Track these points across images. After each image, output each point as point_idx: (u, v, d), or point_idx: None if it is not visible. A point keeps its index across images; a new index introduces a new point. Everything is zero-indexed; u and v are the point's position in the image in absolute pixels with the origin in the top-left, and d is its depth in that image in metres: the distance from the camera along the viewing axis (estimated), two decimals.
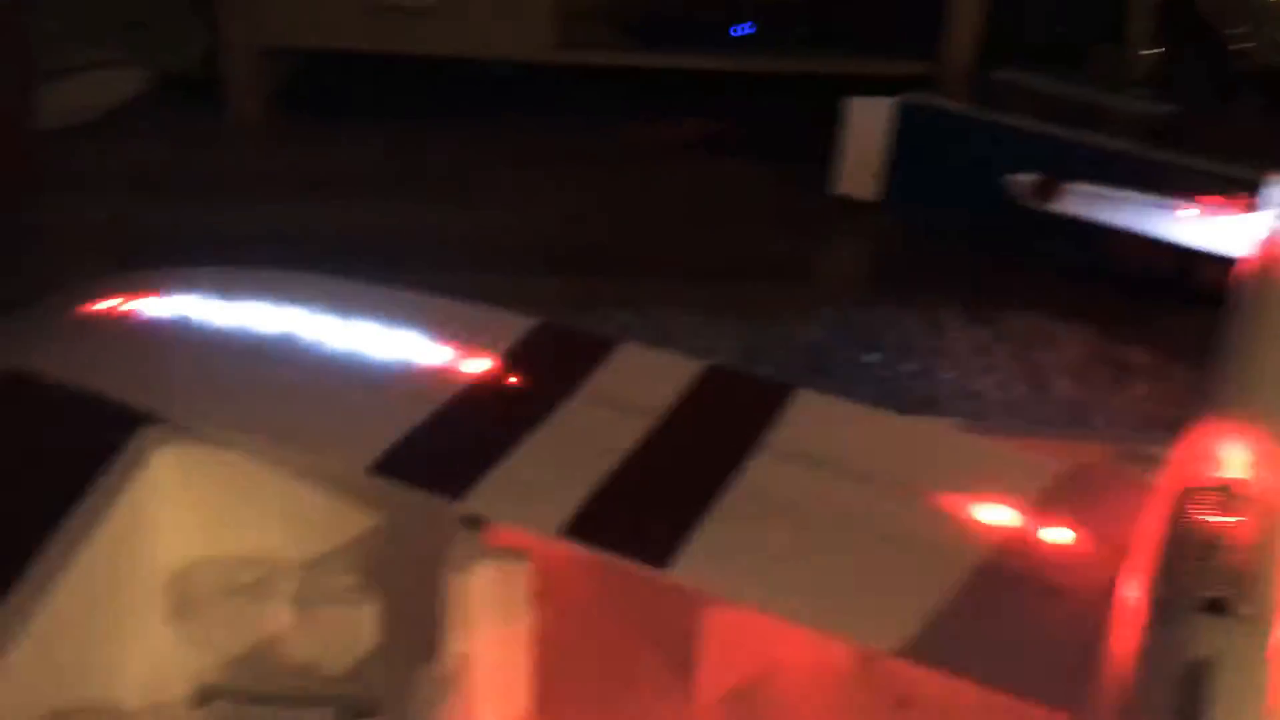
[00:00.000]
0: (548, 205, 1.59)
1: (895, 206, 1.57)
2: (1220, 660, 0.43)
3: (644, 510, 0.59)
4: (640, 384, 0.67)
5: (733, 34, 1.80)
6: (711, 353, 1.17)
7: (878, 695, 0.65)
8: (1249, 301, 0.76)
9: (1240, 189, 1.08)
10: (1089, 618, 0.52)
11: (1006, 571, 0.58)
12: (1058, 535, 0.60)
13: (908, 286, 1.35)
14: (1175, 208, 1.13)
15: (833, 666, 0.66)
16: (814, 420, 0.67)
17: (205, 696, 0.64)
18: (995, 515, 0.61)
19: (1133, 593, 0.51)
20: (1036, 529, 0.60)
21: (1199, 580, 0.47)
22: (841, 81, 1.67)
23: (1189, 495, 0.54)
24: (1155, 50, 1.78)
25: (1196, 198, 1.15)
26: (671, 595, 0.60)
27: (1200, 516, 0.52)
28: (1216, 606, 0.46)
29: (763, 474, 0.61)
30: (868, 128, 1.58)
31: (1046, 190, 1.15)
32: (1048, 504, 0.61)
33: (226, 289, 0.74)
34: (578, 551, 0.58)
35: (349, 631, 0.66)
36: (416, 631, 0.60)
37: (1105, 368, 1.17)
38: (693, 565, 0.56)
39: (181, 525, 0.68)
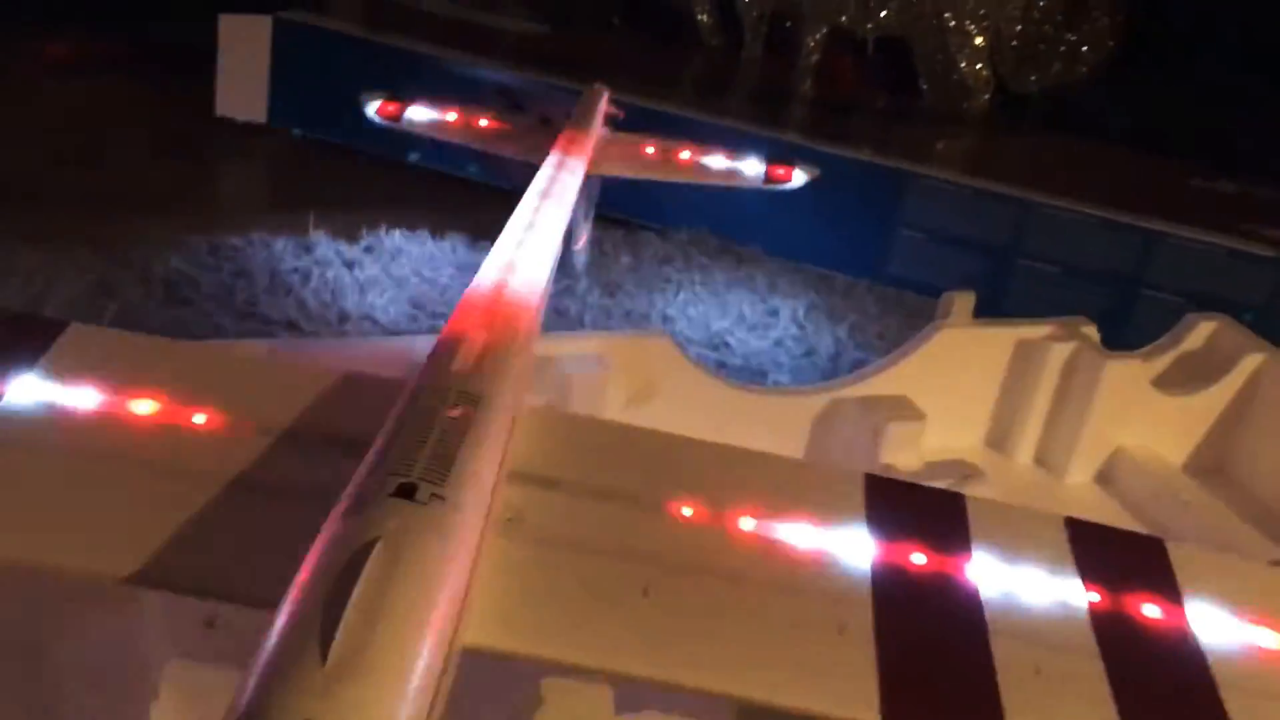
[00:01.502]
0: None
1: (280, 126, 1.57)
2: (389, 540, 0.44)
3: None
4: None
5: None
6: (55, 290, 1.12)
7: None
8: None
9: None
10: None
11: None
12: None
13: (284, 208, 1.36)
14: (515, 122, 1.21)
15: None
16: (83, 354, 0.66)
17: None
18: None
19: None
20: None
21: (398, 467, 0.49)
22: None
23: (419, 391, 0.57)
24: None
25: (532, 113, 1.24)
26: None
27: (422, 409, 0.55)
28: (406, 491, 0.47)
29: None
30: (247, 47, 1.55)
31: (391, 108, 1.19)
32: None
33: None
34: None
35: None
36: None
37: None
38: None
39: None
